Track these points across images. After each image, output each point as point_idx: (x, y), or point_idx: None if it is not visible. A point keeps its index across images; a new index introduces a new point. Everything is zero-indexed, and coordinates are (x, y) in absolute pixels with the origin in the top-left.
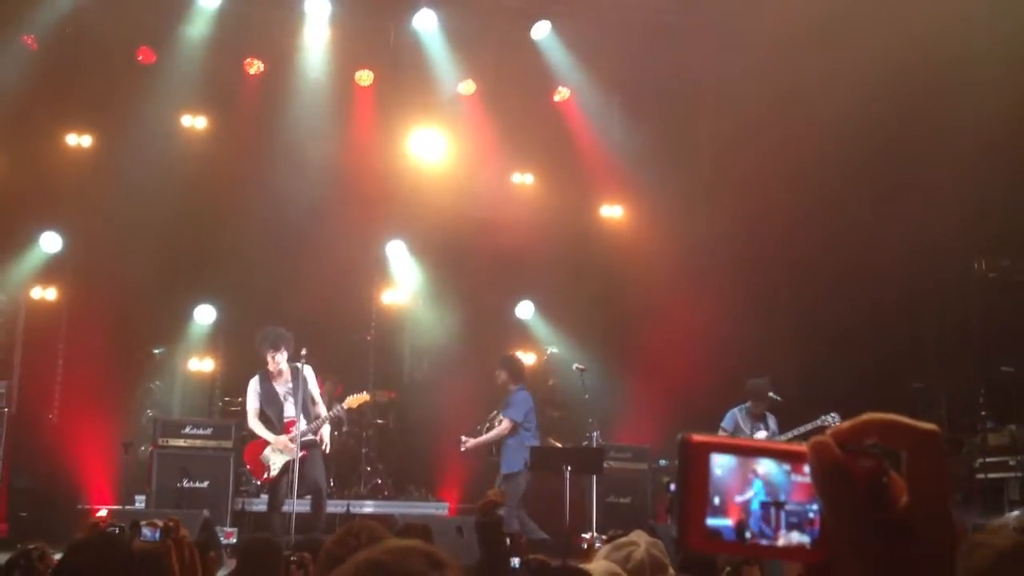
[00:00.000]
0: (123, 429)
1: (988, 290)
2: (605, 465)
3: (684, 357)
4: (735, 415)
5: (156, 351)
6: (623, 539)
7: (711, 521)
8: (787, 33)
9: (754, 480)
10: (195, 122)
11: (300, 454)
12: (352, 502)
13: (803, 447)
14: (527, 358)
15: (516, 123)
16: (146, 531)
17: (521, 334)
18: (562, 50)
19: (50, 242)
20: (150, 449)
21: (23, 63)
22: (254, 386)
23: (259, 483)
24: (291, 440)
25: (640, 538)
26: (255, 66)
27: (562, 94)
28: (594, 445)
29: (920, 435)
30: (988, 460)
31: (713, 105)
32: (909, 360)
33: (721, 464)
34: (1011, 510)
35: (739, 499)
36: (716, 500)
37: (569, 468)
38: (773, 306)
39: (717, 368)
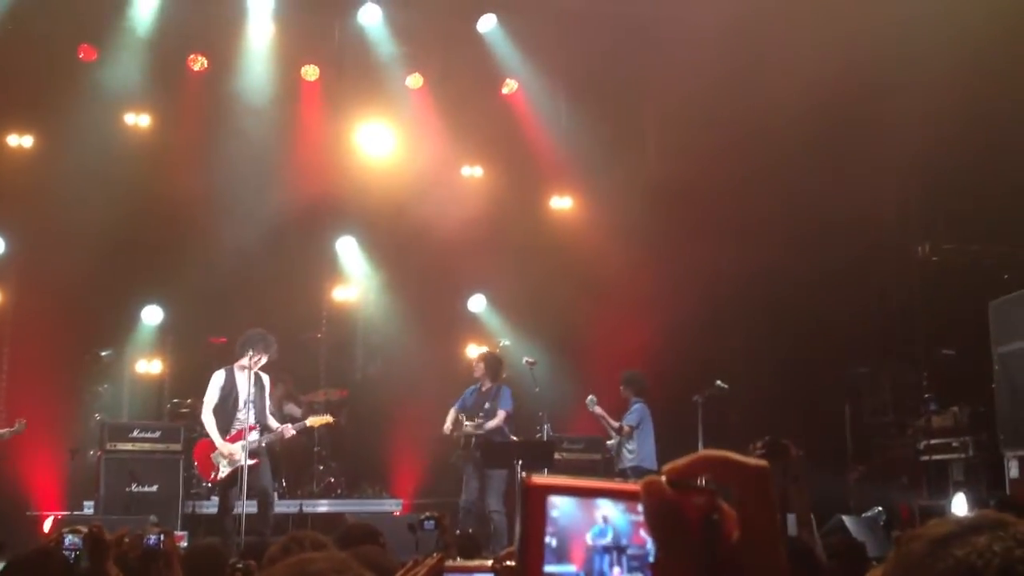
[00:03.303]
0: (71, 433)
1: (931, 273)
2: (557, 456)
3: (634, 346)
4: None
5: (103, 353)
6: None
7: (551, 565)
8: (732, 21)
9: (598, 522)
10: (139, 120)
11: (252, 462)
12: (305, 501)
13: (638, 486)
14: (481, 351)
15: (464, 116)
16: (69, 537)
17: (474, 328)
18: (508, 43)
19: None
20: (98, 454)
21: None
22: (218, 380)
23: (208, 484)
24: (241, 448)
25: None
26: (199, 62)
27: (510, 87)
28: (545, 438)
29: (749, 472)
30: (933, 442)
31: (657, 94)
32: (853, 344)
33: (560, 506)
34: (956, 491)
35: (582, 542)
36: (555, 543)
37: (520, 462)
38: (720, 293)
39: (667, 356)
